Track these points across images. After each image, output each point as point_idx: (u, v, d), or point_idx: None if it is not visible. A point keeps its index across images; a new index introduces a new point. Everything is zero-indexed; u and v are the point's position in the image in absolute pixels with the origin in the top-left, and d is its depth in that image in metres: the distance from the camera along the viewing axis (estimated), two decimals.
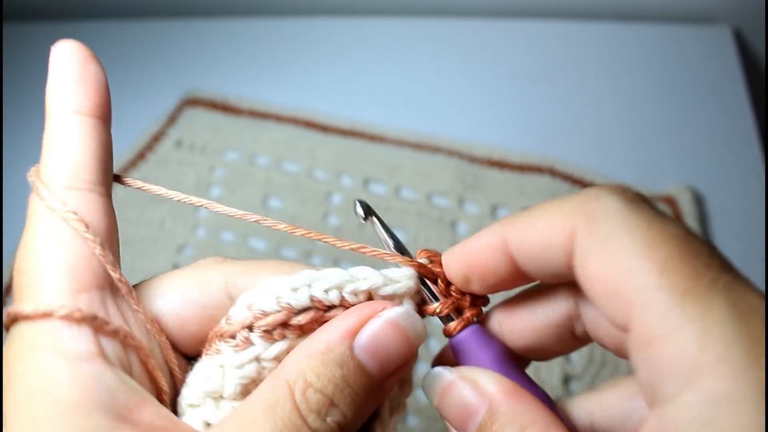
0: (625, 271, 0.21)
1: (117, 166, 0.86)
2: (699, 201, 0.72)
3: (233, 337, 0.27)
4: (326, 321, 0.27)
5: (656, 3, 0.92)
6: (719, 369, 0.18)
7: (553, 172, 0.76)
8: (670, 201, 0.71)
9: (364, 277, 0.27)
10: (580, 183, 0.75)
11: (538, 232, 0.25)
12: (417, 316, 0.27)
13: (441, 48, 0.95)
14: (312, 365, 0.25)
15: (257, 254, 0.73)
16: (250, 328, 0.27)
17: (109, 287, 0.27)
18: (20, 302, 0.26)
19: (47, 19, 1.11)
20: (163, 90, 0.94)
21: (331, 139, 0.83)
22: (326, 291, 0.27)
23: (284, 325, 0.27)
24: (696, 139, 0.78)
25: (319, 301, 0.27)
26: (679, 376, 0.19)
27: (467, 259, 0.27)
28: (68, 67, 0.29)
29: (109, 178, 0.29)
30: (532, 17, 0.95)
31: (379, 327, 0.26)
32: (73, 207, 0.27)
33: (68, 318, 0.24)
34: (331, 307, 0.27)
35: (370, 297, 0.28)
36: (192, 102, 0.91)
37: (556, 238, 0.24)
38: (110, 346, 0.25)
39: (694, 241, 0.21)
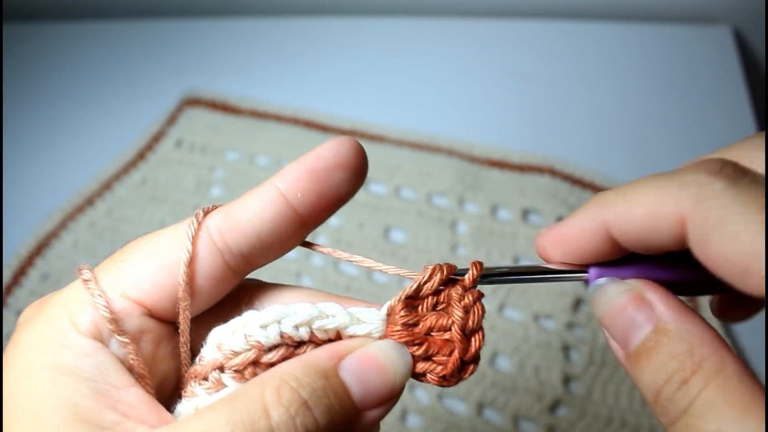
0: (753, 252, 0.21)
1: (117, 166, 0.86)
2: None
3: (206, 378, 0.26)
4: (298, 355, 0.26)
5: (656, 3, 0.92)
6: None
7: (553, 172, 0.76)
8: None
9: (333, 315, 0.27)
10: (580, 183, 0.75)
11: (641, 218, 0.25)
12: (407, 352, 0.27)
13: (441, 48, 0.95)
14: (293, 369, 0.25)
15: None
16: (221, 368, 0.26)
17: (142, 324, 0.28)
18: (103, 263, 0.28)
19: (47, 19, 1.11)
20: (163, 90, 0.94)
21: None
22: (296, 327, 0.26)
23: (255, 363, 0.26)
24: (696, 139, 0.78)
25: (290, 338, 0.26)
26: None
27: (566, 242, 0.28)
28: (324, 156, 0.28)
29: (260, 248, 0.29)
30: (532, 17, 0.95)
31: (368, 353, 0.26)
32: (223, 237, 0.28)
33: (101, 310, 0.26)
34: (301, 344, 0.27)
35: (338, 335, 0.27)
36: (192, 102, 0.91)
37: (663, 223, 0.24)
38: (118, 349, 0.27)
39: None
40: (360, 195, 0.76)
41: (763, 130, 0.80)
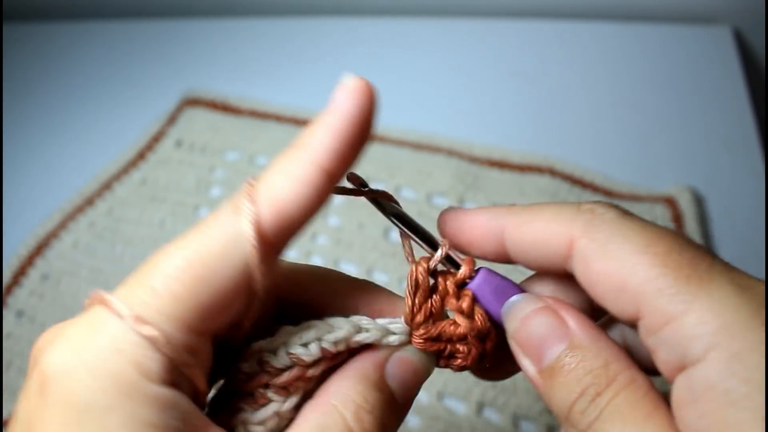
0: (629, 268, 0.23)
1: (117, 166, 0.86)
2: (699, 201, 0.72)
3: (251, 394, 0.27)
4: (334, 365, 0.28)
5: (656, 3, 0.92)
6: (733, 331, 0.21)
7: (553, 172, 0.76)
8: (670, 201, 0.71)
9: (367, 330, 0.29)
10: (580, 183, 0.75)
11: (534, 231, 0.27)
12: (427, 355, 0.30)
13: (441, 48, 0.95)
14: (357, 389, 0.26)
15: None
16: (265, 385, 0.27)
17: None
18: (126, 291, 0.24)
19: (47, 19, 1.11)
20: (163, 90, 0.94)
21: None
22: (335, 343, 0.28)
23: (298, 378, 0.27)
24: (696, 140, 0.78)
25: (329, 352, 0.28)
26: (701, 341, 0.21)
27: (461, 228, 0.29)
28: (354, 116, 0.26)
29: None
30: (532, 17, 0.95)
31: (405, 360, 0.29)
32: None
33: (170, 352, 0.23)
34: (337, 354, 0.28)
35: (359, 347, 0.29)
36: (192, 102, 0.91)
37: (553, 240, 0.26)
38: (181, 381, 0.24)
39: (685, 239, 0.24)
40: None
41: (763, 130, 0.80)
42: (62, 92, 0.99)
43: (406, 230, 0.31)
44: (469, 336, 0.29)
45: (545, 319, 0.26)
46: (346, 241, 0.73)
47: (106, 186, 0.83)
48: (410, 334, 0.29)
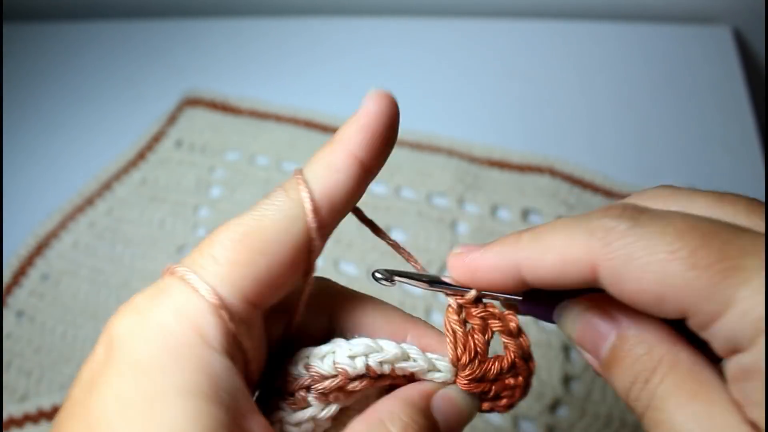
0: (661, 281, 0.23)
1: (117, 166, 0.86)
2: None
3: (292, 395, 0.29)
4: (376, 386, 0.29)
5: (656, 3, 0.92)
6: None
7: (553, 172, 0.76)
8: None
9: (415, 359, 0.29)
10: (580, 183, 0.75)
11: (552, 264, 0.26)
12: (476, 396, 0.30)
13: (441, 48, 0.95)
14: (405, 410, 0.27)
15: None
16: (307, 388, 0.28)
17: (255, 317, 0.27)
18: (189, 260, 0.25)
19: (47, 19, 1.11)
20: (163, 90, 0.94)
21: None
22: (381, 363, 0.28)
23: (339, 389, 0.28)
24: (696, 140, 0.78)
25: (373, 371, 0.28)
26: (747, 331, 0.22)
27: (476, 276, 0.29)
28: (379, 115, 0.30)
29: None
30: (532, 17, 0.95)
31: (452, 396, 0.29)
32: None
33: (223, 309, 0.24)
34: (380, 376, 0.29)
35: (413, 376, 0.30)
36: (192, 102, 0.91)
37: (574, 269, 0.25)
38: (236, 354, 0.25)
39: (703, 224, 0.24)
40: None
41: (763, 130, 0.80)
42: (62, 92, 0.99)
43: (434, 288, 0.31)
44: (517, 359, 0.30)
45: (594, 317, 0.27)
46: (346, 241, 0.73)
47: (106, 186, 0.83)
48: (456, 374, 0.30)
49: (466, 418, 0.30)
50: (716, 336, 0.23)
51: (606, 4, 0.94)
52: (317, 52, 0.97)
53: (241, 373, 0.25)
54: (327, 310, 0.31)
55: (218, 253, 0.25)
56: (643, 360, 0.25)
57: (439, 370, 0.30)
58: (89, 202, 0.82)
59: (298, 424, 0.28)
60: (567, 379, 0.62)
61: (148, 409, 0.22)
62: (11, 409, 0.66)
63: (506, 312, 0.31)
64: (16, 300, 0.74)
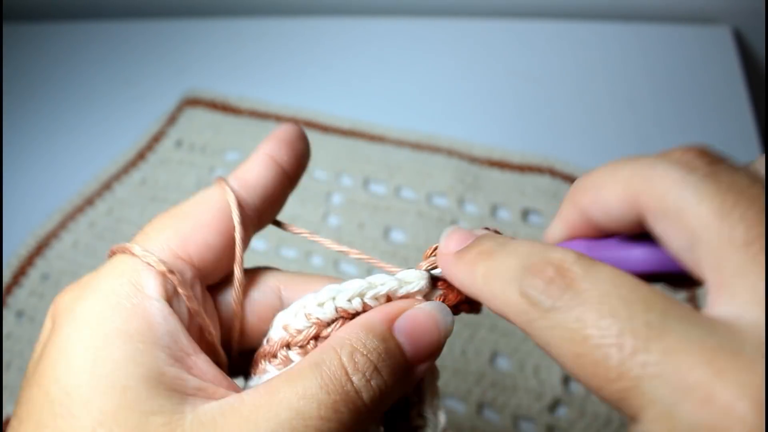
0: (699, 222, 0.22)
1: (117, 166, 0.86)
2: None
3: (275, 356, 0.30)
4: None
5: (656, 3, 0.92)
6: None
7: (553, 172, 0.76)
8: None
9: (382, 283, 0.30)
10: None
11: (604, 203, 0.26)
12: (449, 312, 0.30)
13: (441, 48, 0.95)
14: (357, 335, 0.27)
15: (257, 254, 0.73)
16: (288, 346, 0.30)
17: (203, 274, 0.30)
18: (131, 240, 0.30)
19: (47, 19, 1.11)
20: (163, 90, 0.94)
21: (331, 139, 0.83)
22: (349, 300, 0.29)
23: (316, 337, 0.29)
24: (696, 139, 0.78)
25: (344, 311, 0.29)
26: (752, 295, 0.20)
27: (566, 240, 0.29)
28: (282, 136, 0.34)
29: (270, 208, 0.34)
30: (532, 17, 0.95)
31: (417, 315, 0.29)
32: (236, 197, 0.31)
33: (158, 266, 0.28)
34: (355, 314, 0.29)
35: (388, 299, 0.30)
36: (192, 102, 0.91)
37: (623, 207, 0.25)
38: (179, 307, 0.28)
39: (742, 184, 0.23)
40: (360, 195, 0.76)
41: (763, 130, 0.80)
42: (62, 92, 0.99)
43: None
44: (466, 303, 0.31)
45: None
46: (346, 241, 0.73)
47: (106, 186, 0.83)
48: (429, 280, 0.30)
49: (436, 337, 0.28)
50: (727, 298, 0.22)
51: (606, 4, 0.94)
52: (317, 52, 0.97)
53: (185, 323, 0.28)
54: (277, 293, 0.33)
55: (147, 228, 0.30)
56: None
57: (411, 282, 0.30)
58: (89, 202, 0.82)
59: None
60: (567, 379, 0.62)
61: (91, 356, 0.24)
62: (11, 410, 0.66)
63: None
64: (16, 300, 0.74)
